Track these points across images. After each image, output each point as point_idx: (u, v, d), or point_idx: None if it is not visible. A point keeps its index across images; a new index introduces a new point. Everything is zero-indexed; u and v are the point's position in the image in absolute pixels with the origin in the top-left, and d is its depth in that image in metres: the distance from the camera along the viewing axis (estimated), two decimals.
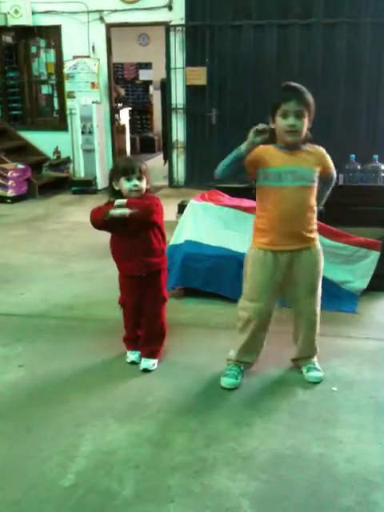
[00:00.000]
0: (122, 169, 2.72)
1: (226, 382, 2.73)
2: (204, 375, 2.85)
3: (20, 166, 7.83)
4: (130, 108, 12.60)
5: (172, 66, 8.10)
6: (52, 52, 8.78)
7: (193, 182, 8.10)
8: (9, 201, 7.54)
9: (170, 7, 8.00)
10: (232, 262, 3.68)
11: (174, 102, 8.24)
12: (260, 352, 2.83)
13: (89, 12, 8.19)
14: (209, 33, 7.83)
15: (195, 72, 7.98)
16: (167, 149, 8.68)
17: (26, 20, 8.28)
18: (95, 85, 8.39)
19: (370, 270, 3.81)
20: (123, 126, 11.15)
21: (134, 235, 2.75)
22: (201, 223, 4.03)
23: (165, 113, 8.78)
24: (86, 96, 8.29)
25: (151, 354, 2.94)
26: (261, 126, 2.44)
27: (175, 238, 4.06)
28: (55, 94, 8.99)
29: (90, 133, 8.14)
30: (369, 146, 7.10)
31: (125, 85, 13.77)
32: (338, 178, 4.69)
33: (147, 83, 14.10)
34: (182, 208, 4.52)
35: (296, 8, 7.59)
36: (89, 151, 8.20)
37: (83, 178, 8.30)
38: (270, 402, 2.62)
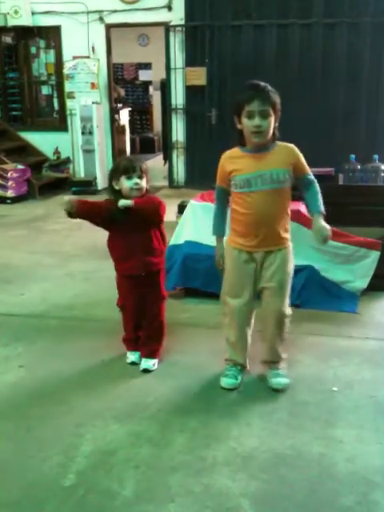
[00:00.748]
0: (123, 168, 2.73)
1: (225, 382, 2.72)
2: (204, 375, 2.85)
3: (20, 167, 7.83)
4: (130, 108, 12.60)
5: (172, 66, 8.11)
6: (52, 52, 8.79)
7: (193, 182, 8.11)
8: (9, 201, 7.55)
9: (169, 7, 8.00)
10: None
11: (173, 102, 8.24)
12: (246, 349, 2.79)
13: (88, 12, 8.20)
14: (208, 33, 7.84)
15: (195, 72, 7.98)
16: (167, 149, 8.69)
17: (25, 20, 8.29)
18: (95, 85, 8.40)
19: (370, 270, 3.82)
20: (123, 127, 11.15)
21: (135, 230, 2.74)
22: (201, 223, 4.02)
23: (165, 113, 8.78)
24: (86, 96, 8.30)
25: (151, 354, 2.94)
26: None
27: (175, 239, 4.06)
28: (55, 95, 9.00)
29: (90, 133, 8.14)
30: (369, 146, 7.10)
31: (125, 85, 13.78)
32: (337, 177, 4.73)
33: (147, 83, 14.11)
34: (181, 208, 4.52)
35: (296, 8, 7.59)
36: (89, 151, 8.20)
37: (83, 178, 8.31)
38: (270, 401, 2.62)
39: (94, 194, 8.01)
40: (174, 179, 8.54)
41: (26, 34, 8.71)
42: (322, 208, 2.62)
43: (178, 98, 8.20)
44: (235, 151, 2.60)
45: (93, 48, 8.37)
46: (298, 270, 3.40)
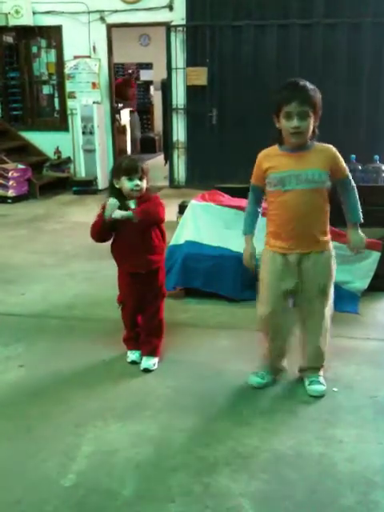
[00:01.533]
0: (125, 168, 2.75)
1: (251, 379, 2.72)
2: (204, 375, 2.85)
3: (20, 166, 7.83)
4: (131, 108, 12.59)
5: (173, 66, 8.11)
6: (53, 52, 8.78)
7: (193, 182, 8.11)
8: (9, 201, 7.55)
9: (170, 7, 8.00)
10: (232, 262, 3.68)
11: (174, 102, 8.24)
12: (281, 357, 2.75)
13: (90, 12, 8.19)
14: (209, 33, 7.84)
15: (196, 72, 7.98)
16: (168, 149, 8.69)
17: (26, 20, 8.28)
18: (96, 85, 8.40)
19: (371, 271, 3.81)
20: (124, 127, 11.15)
21: (137, 230, 2.77)
22: (201, 223, 4.03)
23: (165, 113, 8.78)
24: (87, 96, 8.30)
25: (152, 352, 2.95)
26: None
27: (175, 239, 4.07)
28: (56, 94, 8.99)
29: (91, 133, 8.14)
30: (369, 146, 7.10)
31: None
32: None
33: (148, 83, 14.11)
34: (182, 208, 4.52)
35: (296, 8, 7.59)
36: (89, 151, 8.21)
37: (84, 178, 8.31)
38: (270, 401, 2.62)
39: (94, 193, 8.02)
40: (175, 179, 8.54)
41: (27, 33, 8.71)
42: (361, 217, 2.59)
43: (179, 97, 8.20)
44: (273, 149, 2.55)
45: (94, 48, 8.36)
46: None
